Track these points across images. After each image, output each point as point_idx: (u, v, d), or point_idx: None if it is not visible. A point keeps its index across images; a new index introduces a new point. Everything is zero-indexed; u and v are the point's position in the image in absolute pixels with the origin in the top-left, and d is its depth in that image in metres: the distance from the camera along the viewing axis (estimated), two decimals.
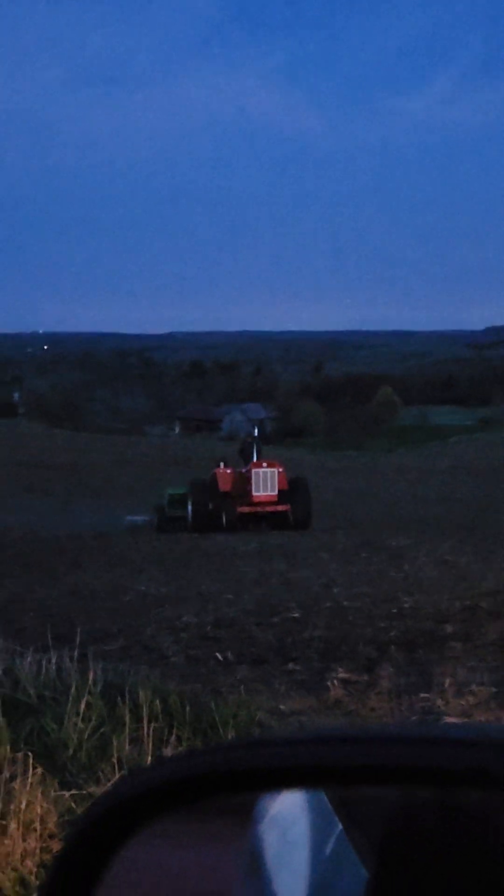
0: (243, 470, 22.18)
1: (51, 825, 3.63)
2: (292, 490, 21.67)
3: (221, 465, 22.87)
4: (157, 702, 5.12)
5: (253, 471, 21.64)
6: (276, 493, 21.59)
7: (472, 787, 0.83)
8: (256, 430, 25.41)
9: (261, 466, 21.78)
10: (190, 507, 21.91)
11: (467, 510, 25.13)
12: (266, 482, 21.60)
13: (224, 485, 22.07)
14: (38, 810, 3.61)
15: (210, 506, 21.69)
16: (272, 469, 21.79)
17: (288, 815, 1.06)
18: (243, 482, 21.77)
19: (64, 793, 4.00)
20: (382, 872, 0.93)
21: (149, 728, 4.64)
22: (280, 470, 21.93)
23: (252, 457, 22.56)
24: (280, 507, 21.43)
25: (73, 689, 5.08)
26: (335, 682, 6.48)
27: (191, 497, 22.01)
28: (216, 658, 7.46)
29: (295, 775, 0.91)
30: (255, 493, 21.47)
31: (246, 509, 21.42)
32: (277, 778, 0.93)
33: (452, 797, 0.87)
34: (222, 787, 0.93)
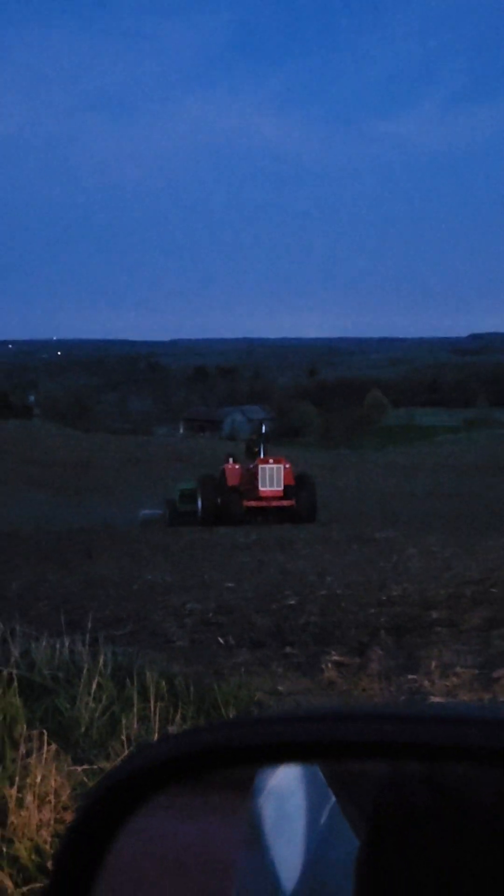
0: (250, 466, 21.99)
1: (64, 798, 3.63)
2: (299, 486, 21.43)
3: (230, 460, 22.70)
4: (164, 683, 5.12)
5: (259, 467, 21.40)
6: (281, 488, 21.28)
7: (456, 761, 0.83)
8: (264, 428, 25.06)
9: (267, 463, 21.59)
10: (199, 502, 21.74)
11: (452, 505, 25.13)
12: (272, 478, 21.34)
13: (232, 480, 21.84)
14: (53, 784, 3.61)
15: (219, 500, 21.48)
16: (278, 465, 21.53)
17: (285, 789, 1.06)
18: (250, 478, 21.48)
19: (76, 767, 4.01)
20: (373, 841, 0.93)
21: (155, 707, 4.64)
22: (286, 466, 21.62)
23: (259, 453, 22.40)
24: (285, 502, 21.14)
25: (84, 672, 5.07)
26: (329, 664, 6.47)
27: (200, 492, 21.81)
28: (218, 642, 7.45)
29: (291, 751, 0.91)
30: (261, 489, 21.19)
31: (252, 504, 21.16)
32: (275, 753, 0.92)
33: (438, 771, 0.87)
34: (223, 762, 0.93)
